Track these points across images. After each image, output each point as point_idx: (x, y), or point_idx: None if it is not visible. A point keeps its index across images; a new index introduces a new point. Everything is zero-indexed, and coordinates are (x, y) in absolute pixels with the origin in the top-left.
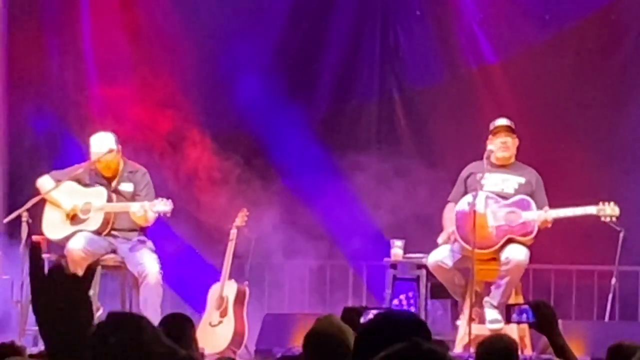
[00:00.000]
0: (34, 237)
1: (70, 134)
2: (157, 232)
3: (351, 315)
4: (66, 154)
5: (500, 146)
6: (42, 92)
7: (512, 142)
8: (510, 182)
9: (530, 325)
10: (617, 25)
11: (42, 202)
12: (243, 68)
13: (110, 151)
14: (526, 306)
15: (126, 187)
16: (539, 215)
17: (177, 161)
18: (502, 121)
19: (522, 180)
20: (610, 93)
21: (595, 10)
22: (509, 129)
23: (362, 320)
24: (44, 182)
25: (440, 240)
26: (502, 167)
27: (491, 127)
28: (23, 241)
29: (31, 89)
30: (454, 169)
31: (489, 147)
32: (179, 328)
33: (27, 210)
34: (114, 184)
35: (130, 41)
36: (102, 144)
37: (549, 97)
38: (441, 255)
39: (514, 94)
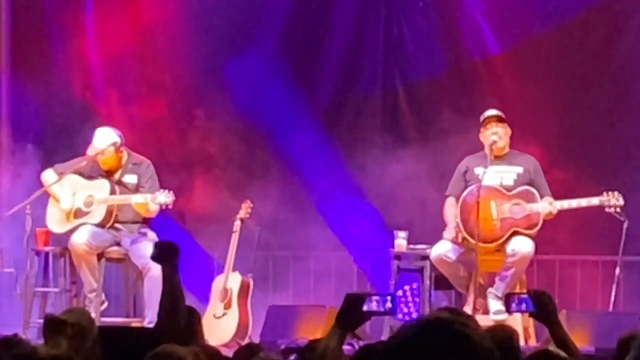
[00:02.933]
0: (38, 230)
1: (74, 127)
2: (160, 224)
3: (354, 301)
4: (71, 147)
5: (492, 136)
6: (46, 86)
7: (503, 131)
8: (508, 173)
9: (530, 315)
10: (620, 16)
11: (47, 195)
12: (247, 59)
13: (113, 144)
14: (526, 295)
15: (130, 178)
16: (544, 207)
17: (181, 153)
18: (491, 112)
19: (520, 169)
20: (614, 83)
21: (599, 1)
22: (498, 119)
23: (365, 307)
24: (47, 176)
25: (446, 235)
26: (499, 158)
27: (481, 119)
28: (27, 234)
29: (35, 82)
30: (457, 160)
31: (491, 138)
32: (186, 320)
33: (31, 202)
34: (117, 175)
35: (133, 32)
36: (103, 139)
37: (553, 88)
38: (444, 249)
39: (517, 85)
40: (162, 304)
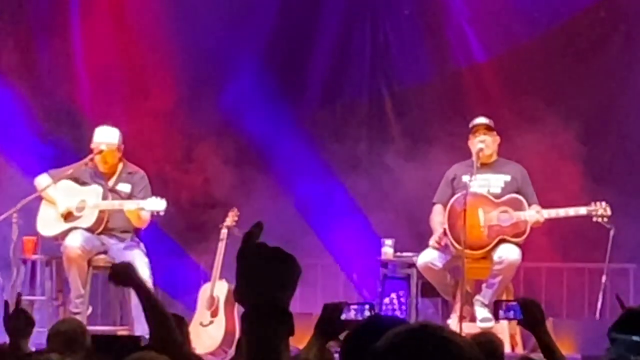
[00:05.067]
0: (25, 238)
1: (60, 133)
2: (147, 231)
3: (332, 311)
4: (57, 154)
5: (479, 144)
6: (32, 93)
7: (491, 140)
8: (495, 181)
9: (518, 323)
10: (606, 23)
11: (38, 200)
12: (233, 67)
13: (112, 145)
14: (514, 303)
15: (124, 187)
16: (531, 216)
17: (167, 160)
18: (480, 120)
19: (507, 177)
20: (600, 91)
21: (585, 7)
22: (487, 127)
23: (343, 316)
24: (42, 180)
25: (432, 242)
26: (486, 166)
27: (470, 126)
28: (13, 242)
29: (21, 89)
30: (444, 167)
31: (478, 146)
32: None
33: (18, 210)
34: (112, 183)
35: (119, 41)
36: (107, 136)
37: (538, 95)
38: (431, 257)
39: (503, 92)
40: (150, 324)
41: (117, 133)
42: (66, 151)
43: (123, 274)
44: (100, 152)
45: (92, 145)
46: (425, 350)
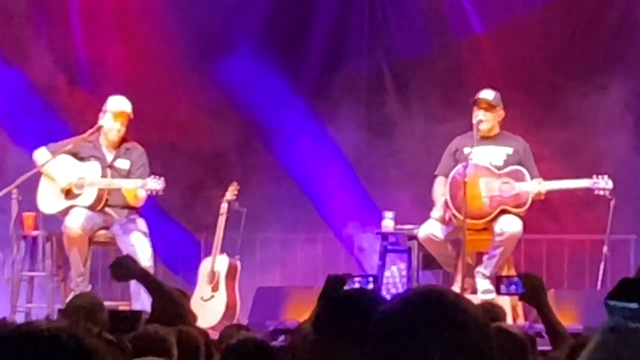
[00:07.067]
0: (25, 214)
1: (58, 108)
2: (147, 207)
3: (335, 282)
4: (53, 128)
5: (479, 117)
6: (30, 68)
7: (491, 115)
8: (498, 153)
9: (519, 297)
10: None
11: (37, 176)
12: (233, 41)
13: (130, 114)
14: (516, 278)
15: (122, 164)
16: (533, 187)
17: (166, 134)
18: (483, 94)
19: (510, 150)
20: (598, 63)
21: None
22: (489, 103)
23: (346, 288)
24: (40, 155)
25: (434, 214)
26: (488, 138)
27: (475, 97)
28: (13, 219)
29: (18, 63)
30: (443, 140)
31: (477, 118)
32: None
33: (18, 186)
34: (110, 159)
35: (118, 14)
36: (126, 103)
37: (537, 68)
38: (432, 228)
39: (502, 65)
40: (156, 304)
41: (129, 104)
42: (62, 124)
43: (123, 269)
44: (125, 116)
45: (111, 111)
46: (431, 312)
